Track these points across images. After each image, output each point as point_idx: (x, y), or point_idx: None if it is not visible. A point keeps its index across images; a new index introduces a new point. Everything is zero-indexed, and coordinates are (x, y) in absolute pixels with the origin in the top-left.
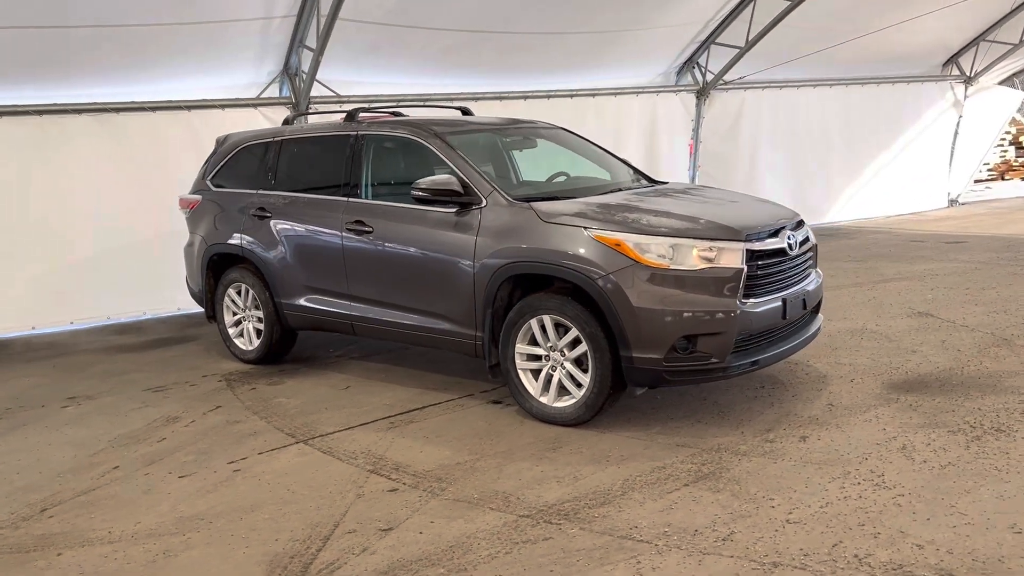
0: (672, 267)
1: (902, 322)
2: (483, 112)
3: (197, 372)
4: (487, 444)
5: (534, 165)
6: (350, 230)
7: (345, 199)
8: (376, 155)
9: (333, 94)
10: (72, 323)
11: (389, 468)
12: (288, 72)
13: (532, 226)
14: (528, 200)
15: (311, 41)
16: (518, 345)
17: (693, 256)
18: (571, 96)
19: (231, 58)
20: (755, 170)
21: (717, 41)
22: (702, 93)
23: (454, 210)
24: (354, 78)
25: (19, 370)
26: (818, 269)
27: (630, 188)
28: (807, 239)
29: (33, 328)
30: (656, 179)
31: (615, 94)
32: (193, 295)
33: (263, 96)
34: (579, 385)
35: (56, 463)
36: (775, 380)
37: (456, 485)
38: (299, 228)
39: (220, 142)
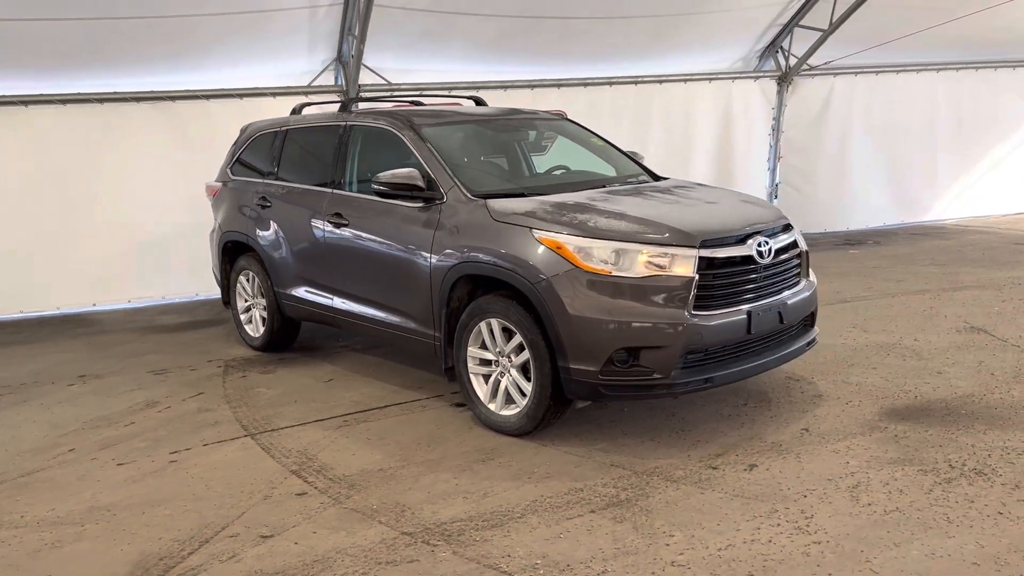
0: (615, 273)
1: (946, 338)
2: (545, 100)
3: (206, 356)
4: (422, 451)
5: (535, 158)
6: (330, 222)
7: (330, 191)
8: (360, 146)
9: (385, 82)
10: (129, 301)
11: (313, 470)
12: (341, 60)
13: (483, 224)
14: (488, 196)
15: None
16: (469, 348)
17: (639, 262)
18: (635, 83)
19: (282, 46)
20: (844, 163)
21: (801, 23)
22: (784, 79)
23: (419, 205)
24: (408, 65)
25: (59, 345)
26: (811, 277)
27: (618, 184)
28: (791, 246)
29: (94, 305)
30: (659, 175)
31: (684, 81)
32: (217, 281)
33: (314, 84)
34: (524, 394)
35: (26, 441)
36: (762, 396)
37: (364, 493)
38: (292, 219)
39: (243, 130)
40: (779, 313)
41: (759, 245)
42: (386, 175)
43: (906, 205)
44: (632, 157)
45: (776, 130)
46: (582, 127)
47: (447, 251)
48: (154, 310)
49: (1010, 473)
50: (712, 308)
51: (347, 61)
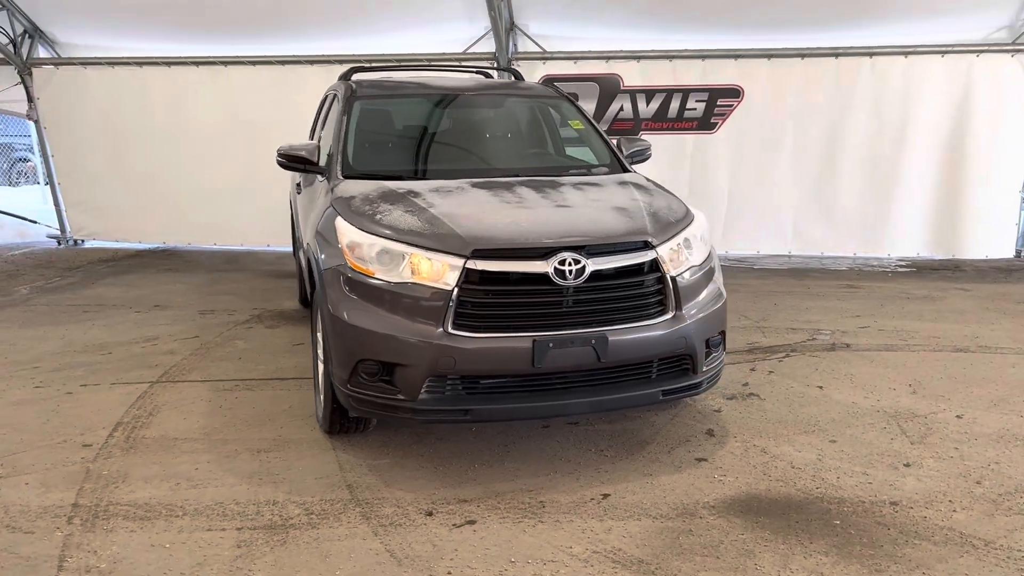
0: (377, 276)
1: (1009, 422)
2: (720, 73)
3: (260, 304)
4: (236, 429)
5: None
6: (297, 190)
7: None
8: (329, 116)
9: (540, 49)
10: None
11: (132, 426)
12: (504, 27)
13: (323, 204)
14: (359, 177)
15: None
16: (317, 334)
17: (405, 266)
18: (835, 55)
19: (438, 12)
20: None
21: None
22: None
23: (324, 180)
24: (569, 33)
25: (189, 278)
26: (680, 312)
27: (540, 174)
28: (637, 269)
29: (268, 245)
30: (628, 168)
31: (904, 54)
32: None
33: (470, 51)
34: None
35: (27, 353)
36: (637, 446)
37: (123, 458)
38: (297, 184)
39: None
40: (594, 348)
41: (563, 263)
42: (284, 147)
43: None
44: (611, 147)
45: None
46: (576, 107)
47: (311, 228)
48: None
49: None
50: (481, 330)
51: (504, 28)
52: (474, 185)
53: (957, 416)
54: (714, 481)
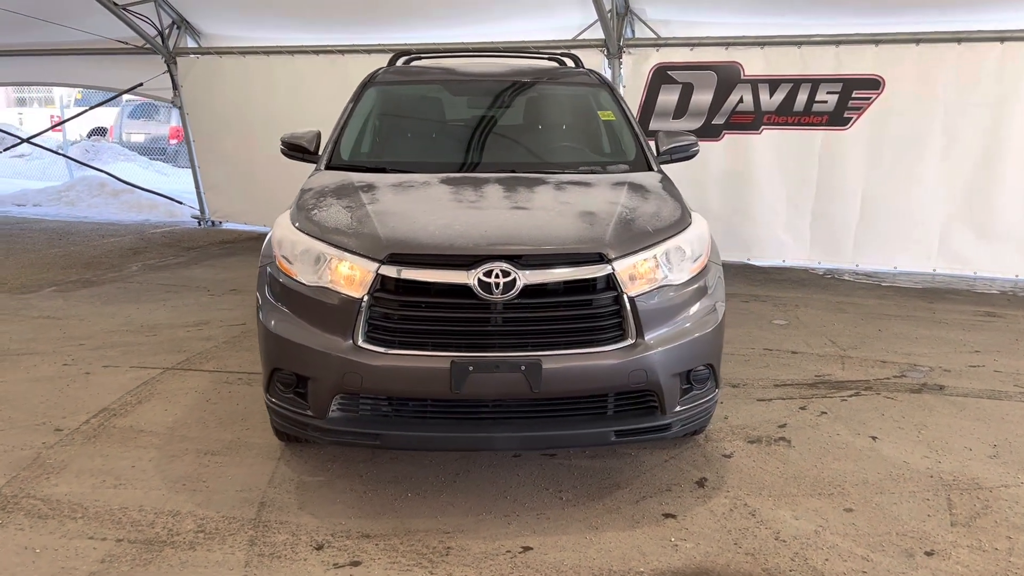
0: (297, 277)
1: None
2: (856, 62)
3: None
4: (204, 426)
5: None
6: None
7: None
8: None
9: (654, 35)
10: None
11: (113, 414)
12: (616, 12)
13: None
14: (342, 168)
15: None
16: None
17: (325, 267)
18: (1000, 39)
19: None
20: None
21: None
22: None
23: None
24: (690, 18)
25: None
26: (642, 339)
27: (545, 171)
28: (586, 286)
29: None
30: (654, 168)
31: None
32: None
33: (580, 38)
34: None
35: (82, 327)
36: (609, 487)
37: (78, 446)
38: None
39: None
40: (524, 375)
41: (488, 275)
42: (287, 134)
43: None
44: (641, 142)
45: None
46: (614, 96)
47: None
48: None
49: None
50: (395, 345)
51: (623, 12)
52: (443, 180)
53: (994, 484)
54: (667, 545)
